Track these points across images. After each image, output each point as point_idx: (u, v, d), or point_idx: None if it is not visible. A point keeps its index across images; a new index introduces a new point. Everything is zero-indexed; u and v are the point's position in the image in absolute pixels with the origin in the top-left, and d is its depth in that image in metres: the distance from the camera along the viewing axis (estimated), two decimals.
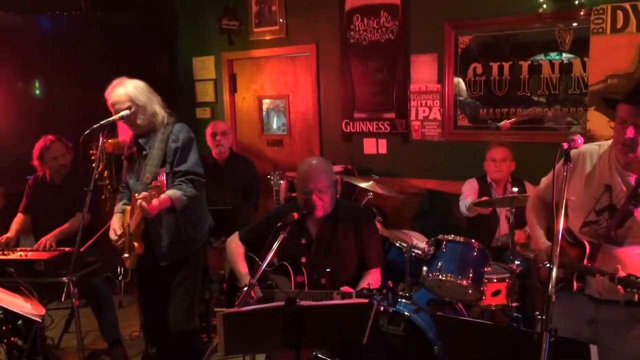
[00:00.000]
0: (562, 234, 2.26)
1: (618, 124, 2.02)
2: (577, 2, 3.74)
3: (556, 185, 1.94)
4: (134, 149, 3.02)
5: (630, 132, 1.96)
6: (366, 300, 2.18)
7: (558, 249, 1.79)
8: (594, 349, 1.70)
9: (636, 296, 1.87)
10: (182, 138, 2.92)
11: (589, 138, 3.43)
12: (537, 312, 1.71)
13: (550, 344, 1.63)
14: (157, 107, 2.95)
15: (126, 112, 2.87)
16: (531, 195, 2.56)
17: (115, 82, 2.93)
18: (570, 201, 2.23)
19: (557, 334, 1.65)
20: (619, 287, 1.88)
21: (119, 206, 3.10)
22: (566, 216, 2.35)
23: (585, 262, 2.06)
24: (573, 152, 2.23)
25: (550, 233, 2.35)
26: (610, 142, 2.14)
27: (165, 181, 2.71)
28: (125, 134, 3.02)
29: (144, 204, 2.70)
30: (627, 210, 2.01)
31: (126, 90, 2.89)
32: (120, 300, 4.57)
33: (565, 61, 3.91)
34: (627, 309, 2.03)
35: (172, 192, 2.83)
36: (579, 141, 2.01)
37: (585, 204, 2.13)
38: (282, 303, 2.01)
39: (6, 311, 3.03)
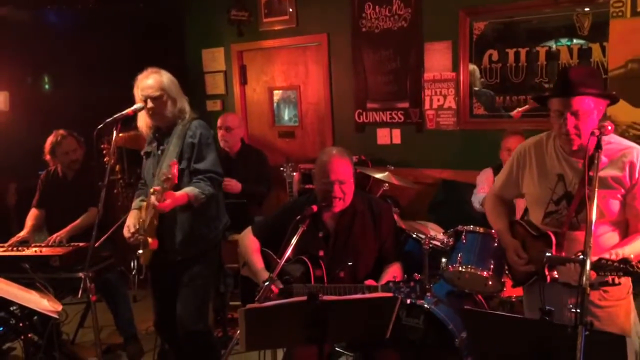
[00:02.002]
0: (526, 228, 2.28)
1: (555, 117, 2.11)
2: None
3: (588, 173, 1.94)
4: (152, 144, 2.99)
5: (571, 121, 2.04)
6: (390, 294, 2.12)
7: (591, 240, 1.74)
8: (630, 341, 1.66)
9: (609, 278, 1.89)
10: (199, 135, 2.87)
11: None
12: (571, 306, 1.65)
13: (586, 337, 1.59)
14: (187, 105, 2.93)
15: (140, 105, 2.84)
16: (488, 194, 2.63)
17: (150, 69, 2.90)
18: (527, 195, 2.34)
19: (592, 327, 1.61)
20: (592, 272, 1.88)
21: (136, 202, 3.05)
22: (526, 211, 2.42)
23: (553, 252, 2.11)
24: (519, 149, 2.36)
25: (512, 228, 2.42)
26: (548, 132, 2.24)
27: (176, 174, 2.66)
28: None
29: (155, 201, 2.66)
30: (582, 195, 2.06)
31: (161, 78, 2.86)
32: (134, 295, 4.56)
33: (584, 46, 3.82)
34: (601, 289, 2.10)
35: (190, 189, 2.79)
36: (610, 128, 1.97)
37: (543, 196, 2.22)
38: (305, 298, 1.97)
39: (23, 307, 3.01)
